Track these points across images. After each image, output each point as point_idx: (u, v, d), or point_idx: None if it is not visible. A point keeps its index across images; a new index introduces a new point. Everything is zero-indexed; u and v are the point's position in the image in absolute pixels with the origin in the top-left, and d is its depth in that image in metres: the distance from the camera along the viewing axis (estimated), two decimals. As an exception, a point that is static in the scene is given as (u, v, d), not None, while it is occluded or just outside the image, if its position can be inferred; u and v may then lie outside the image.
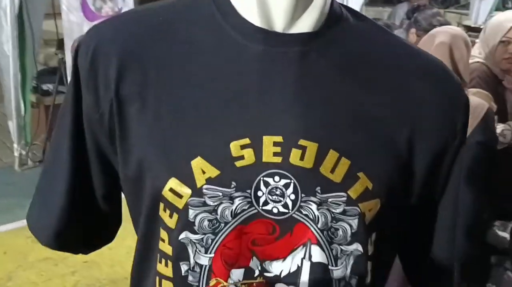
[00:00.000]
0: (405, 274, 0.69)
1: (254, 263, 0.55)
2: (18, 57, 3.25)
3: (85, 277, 2.33)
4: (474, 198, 1.66)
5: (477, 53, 2.00)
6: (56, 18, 3.53)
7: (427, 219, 0.63)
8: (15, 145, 3.42)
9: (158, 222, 0.57)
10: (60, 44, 3.34)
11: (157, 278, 0.58)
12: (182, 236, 0.54)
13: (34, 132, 3.56)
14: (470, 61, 1.82)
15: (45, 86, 3.63)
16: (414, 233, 0.65)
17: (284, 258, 0.55)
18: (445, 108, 0.59)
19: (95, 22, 3.22)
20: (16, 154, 3.44)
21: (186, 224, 0.54)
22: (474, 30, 3.68)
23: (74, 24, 3.08)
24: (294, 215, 0.53)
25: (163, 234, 0.56)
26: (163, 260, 0.57)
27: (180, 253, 0.55)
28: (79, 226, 0.64)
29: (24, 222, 2.34)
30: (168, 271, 0.56)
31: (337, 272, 0.55)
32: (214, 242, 0.54)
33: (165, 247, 0.56)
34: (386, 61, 0.59)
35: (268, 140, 0.53)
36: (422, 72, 0.59)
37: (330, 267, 0.55)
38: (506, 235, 2.05)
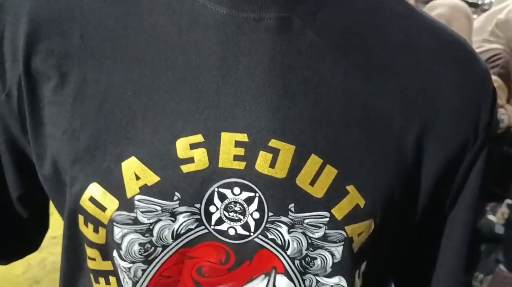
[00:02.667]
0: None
1: None
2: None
3: (52, 254, 2.19)
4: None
5: (489, 36, 1.81)
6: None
7: (431, 242, 0.50)
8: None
9: (80, 238, 0.43)
10: None
11: None
12: (114, 254, 0.41)
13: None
14: (488, 45, 1.67)
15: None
16: (414, 258, 0.51)
17: None
18: (467, 100, 0.44)
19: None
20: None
21: (113, 244, 0.40)
22: (473, 6, 3.51)
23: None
24: (256, 239, 0.40)
25: (91, 252, 0.42)
26: (101, 279, 0.43)
27: (117, 271, 0.42)
28: None
29: None
30: None
31: (311, 313, 0.42)
32: (146, 274, 0.40)
33: (100, 265, 0.43)
34: (395, 38, 0.44)
35: (228, 139, 0.39)
36: (442, 54, 0.44)
37: None
38: (495, 219, 1.97)
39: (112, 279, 0.43)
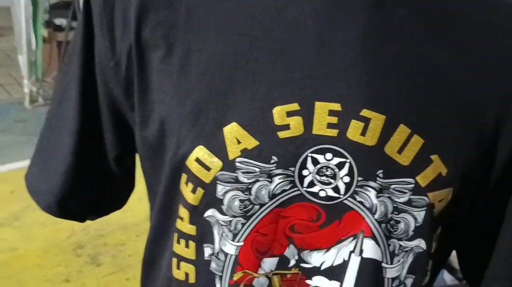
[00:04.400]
0: (461, 272, 0.59)
1: (290, 252, 0.46)
2: (29, -13, 3.11)
3: (94, 222, 2.28)
4: None
5: None
6: None
7: (500, 214, 0.53)
8: (25, 81, 3.34)
9: (177, 197, 0.47)
10: (74, -24, 3.17)
11: (174, 260, 0.49)
12: (208, 213, 0.45)
13: (46, 69, 3.46)
14: None
15: (57, 21, 3.49)
16: (482, 227, 0.54)
17: (328, 249, 0.45)
18: None
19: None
20: (26, 90, 3.36)
21: (213, 202, 0.44)
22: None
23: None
24: (345, 201, 0.43)
25: (183, 212, 0.47)
26: (182, 241, 0.47)
27: (204, 234, 0.46)
28: (85, 191, 0.55)
29: None
30: (188, 252, 0.47)
31: (391, 271, 0.45)
32: (245, 228, 0.44)
33: (185, 227, 0.47)
34: (478, 19, 0.46)
35: (321, 108, 0.42)
36: None
37: (384, 264, 0.45)
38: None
39: (191, 244, 0.47)
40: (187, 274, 0.48)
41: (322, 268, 0.46)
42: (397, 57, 0.43)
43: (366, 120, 0.42)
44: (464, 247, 0.56)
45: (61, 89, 0.53)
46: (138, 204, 2.41)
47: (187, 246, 0.47)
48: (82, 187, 0.54)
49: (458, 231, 0.52)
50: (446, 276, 1.95)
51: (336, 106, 0.42)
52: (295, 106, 0.43)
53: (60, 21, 3.50)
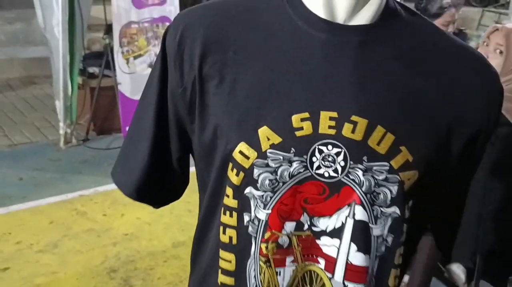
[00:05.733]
0: (435, 243, 0.78)
1: (304, 218, 0.65)
2: (67, 40, 3.43)
3: (125, 249, 2.48)
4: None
5: None
6: (105, 4, 3.70)
7: (458, 194, 0.72)
8: (61, 124, 3.61)
9: (225, 180, 0.67)
10: (108, 29, 3.49)
11: (221, 228, 0.68)
12: (247, 191, 0.65)
13: (79, 112, 3.75)
14: None
15: (91, 69, 3.82)
16: (446, 204, 0.74)
17: (331, 216, 0.65)
18: (484, 99, 0.67)
19: (142, 10, 3.33)
20: (61, 132, 3.63)
21: (250, 181, 0.64)
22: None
23: (122, 10, 3.23)
24: (342, 179, 0.63)
25: (228, 191, 0.67)
26: (227, 212, 0.67)
27: (244, 205, 0.65)
28: (156, 183, 0.75)
29: (68, 196, 2.58)
30: (232, 221, 0.67)
31: (376, 230, 0.65)
32: (272, 199, 0.64)
33: (230, 201, 0.67)
34: (436, 52, 0.67)
35: (325, 115, 0.63)
36: (468, 65, 0.68)
37: (370, 225, 0.64)
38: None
39: (234, 214, 0.66)
40: (230, 237, 0.68)
41: (327, 230, 0.65)
42: (376, 81, 0.64)
43: (355, 123, 0.63)
44: (437, 223, 0.75)
45: (141, 109, 0.74)
46: (164, 234, 2.63)
47: (231, 216, 0.67)
48: (154, 181, 0.75)
49: (428, 206, 0.71)
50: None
51: (334, 114, 0.63)
52: (306, 115, 0.63)
53: (93, 69, 3.83)
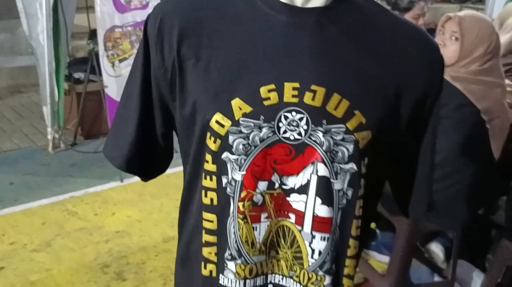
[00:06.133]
0: (394, 199, 0.88)
1: (275, 178, 0.74)
2: (52, 46, 3.50)
3: (117, 245, 2.55)
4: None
5: None
6: (88, 11, 3.77)
7: (411, 153, 0.82)
8: (48, 129, 3.67)
9: (204, 148, 0.76)
10: (92, 34, 3.57)
11: (203, 191, 0.77)
12: (223, 155, 0.74)
13: (67, 117, 3.81)
14: None
15: (76, 75, 3.89)
16: (400, 163, 0.84)
17: (298, 174, 0.74)
18: (427, 68, 0.77)
19: (125, 14, 3.40)
20: (49, 137, 3.69)
21: (226, 147, 0.74)
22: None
23: (106, 15, 3.31)
24: (305, 141, 0.73)
25: (208, 157, 0.76)
26: (208, 176, 0.76)
27: (222, 169, 0.75)
28: (143, 156, 0.85)
29: (59, 197, 2.68)
30: (212, 184, 0.76)
31: (337, 185, 0.74)
32: (246, 161, 0.73)
33: (209, 166, 0.76)
34: (383, 30, 0.77)
35: (288, 86, 0.72)
36: (411, 40, 0.78)
37: (331, 180, 0.74)
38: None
39: (213, 178, 0.75)
40: (212, 199, 0.77)
41: (296, 187, 0.75)
42: (332, 55, 0.74)
43: (314, 92, 0.72)
44: (392, 179, 0.86)
45: (128, 89, 0.83)
46: (154, 230, 2.71)
47: (211, 179, 0.76)
48: (141, 154, 0.84)
49: (383, 164, 0.81)
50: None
51: (297, 85, 0.73)
52: (272, 86, 0.73)
53: (78, 75, 3.90)
